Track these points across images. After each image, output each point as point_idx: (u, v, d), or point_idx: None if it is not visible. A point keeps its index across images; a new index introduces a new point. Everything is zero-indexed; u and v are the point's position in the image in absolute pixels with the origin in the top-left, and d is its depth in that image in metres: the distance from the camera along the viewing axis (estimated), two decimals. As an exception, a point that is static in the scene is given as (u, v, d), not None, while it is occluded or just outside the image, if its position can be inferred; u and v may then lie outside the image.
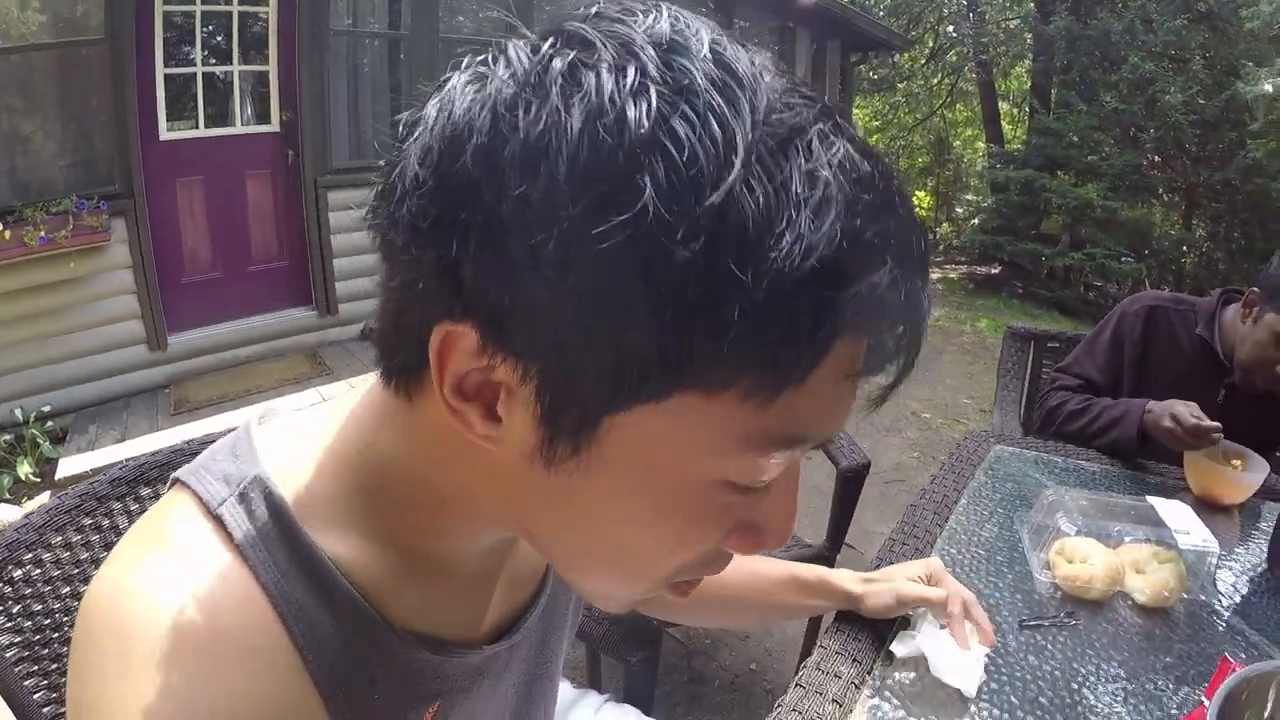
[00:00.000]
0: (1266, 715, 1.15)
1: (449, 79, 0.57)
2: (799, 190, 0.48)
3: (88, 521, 1.28)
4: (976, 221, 12.29)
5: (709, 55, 0.51)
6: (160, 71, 5.05)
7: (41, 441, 4.54)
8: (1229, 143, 9.17)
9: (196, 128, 5.42)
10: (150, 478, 1.35)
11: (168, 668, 0.63)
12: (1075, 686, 1.42)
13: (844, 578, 1.46)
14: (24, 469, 4.33)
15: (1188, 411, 2.12)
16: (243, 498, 0.71)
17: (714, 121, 0.48)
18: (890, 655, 1.43)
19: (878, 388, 0.60)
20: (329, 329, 6.38)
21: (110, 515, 1.31)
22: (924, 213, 14.57)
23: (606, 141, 0.48)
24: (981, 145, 13.94)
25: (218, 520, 0.70)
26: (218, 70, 5.47)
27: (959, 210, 13.64)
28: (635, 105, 0.48)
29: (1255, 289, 2.33)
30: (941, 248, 13.28)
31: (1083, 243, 10.23)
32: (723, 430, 0.55)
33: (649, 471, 0.59)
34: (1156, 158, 10.25)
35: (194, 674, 0.64)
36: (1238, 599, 1.70)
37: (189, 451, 1.31)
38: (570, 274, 0.49)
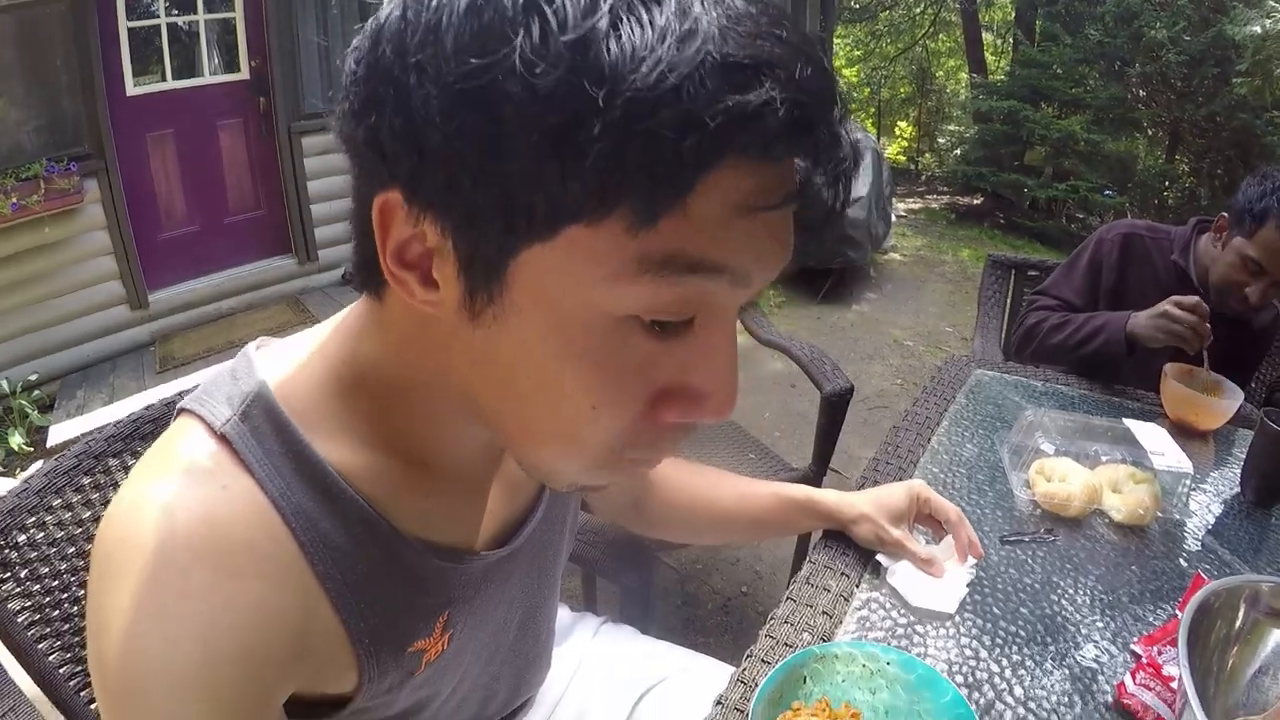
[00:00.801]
0: (1236, 626, 1.18)
1: None
2: (665, 24, 0.51)
3: (86, 481, 1.29)
4: (959, 152, 12.19)
5: None
6: (123, 26, 4.90)
7: (30, 411, 4.50)
8: (1213, 79, 9.11)
9: (163, 81, 5.28)
10: (145, 433, 1.36)
11: (182, 579, 0.67)
12: (1055, 598, 1.46)
13: (830, 502, 1.49)
14: (15, 440, 4.30)
15: (1176, 308, 2.15)
16: (245, 415, 0.74)
17: None
18: (878, 566, 1.47)
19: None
20: (310, 276, 6.30)
21: (109, 472, 1.31)
22: (905, 143, 14.49)
23: (487, 11, 0.52)
24: (964, 76, 13.78)
25: (223, 439, 0.73)
26: (181, 20, 5.29)
27: (941, 141, 13.52)
28: None
29: (1224, 214, 2.37)
30: (924, 178, 13.19)
31: (1066, 175, 10.17)
32: (613, 258, 0.56)
33: (557, 311, 0.60)
34: (1141, 92, 10.16)
35: (207, 584, 0.67)
36: (1211, 520, 1.74)
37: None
38: (454, 119, 0.54)
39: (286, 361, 0.81)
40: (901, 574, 1.44)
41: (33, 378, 4.70)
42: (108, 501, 1.23)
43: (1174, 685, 1.20)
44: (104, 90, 4.78)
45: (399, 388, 0.77)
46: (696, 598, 3.37)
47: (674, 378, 0.65)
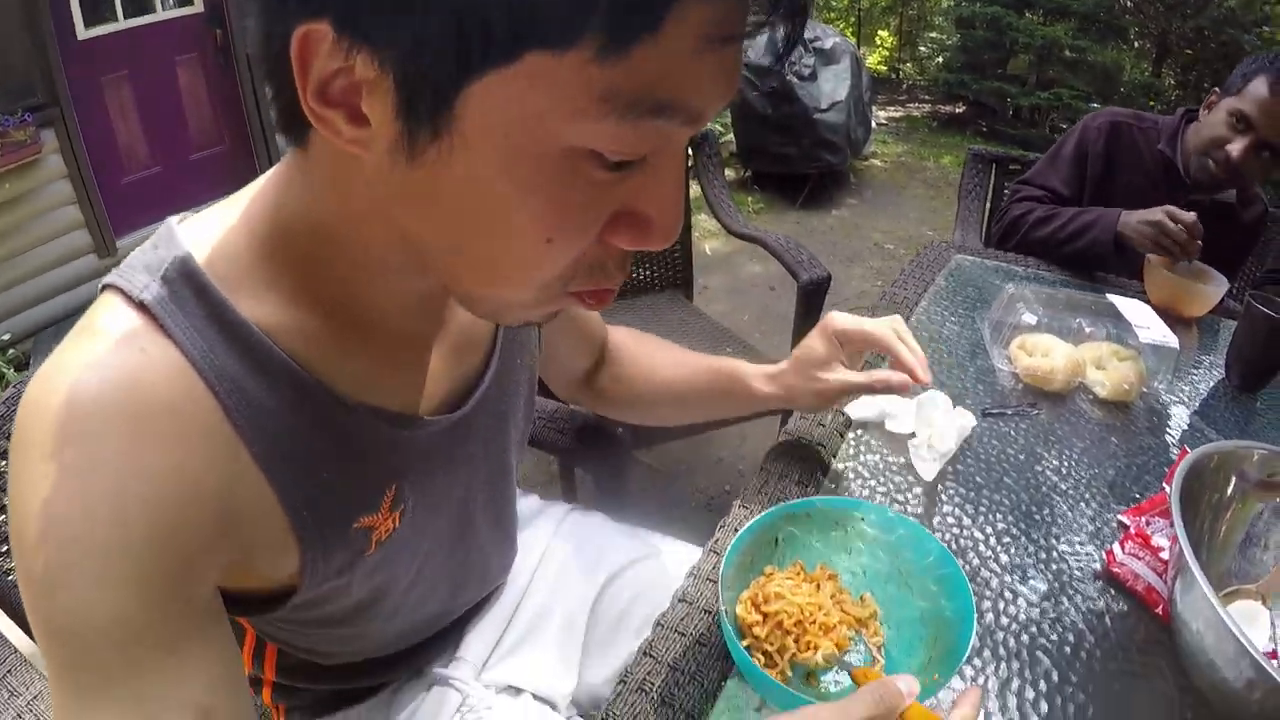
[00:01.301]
0: (1228, 494, 1.14)
1: None
2: None
3: None
4: (941, 60, 12.09)
5: None
6: None
7: (6, 370, 4.33)
8: None
9: (115, 21, 5.02)
10: None
11: (96, 443, 0.63)
12: (1038, 469, 1.42)
13: (750, 370, 1.35)
14: None
15: (1167, 219, 2.11)
16: (165, 280, 0.70)
17: None
18: (847, 418, 1.46)
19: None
20: None
21: None
22: (886, 52, 14.33)
23: None
24: None
25: (142, 306, 0.69)
26: None
27: (923, 49, 13.38)
28: None
29: (1216, 89, 2.36)
30: (905, 87, 13.10)
31: (1050, 83, 10.11)
32: (578, 90, 0.54)
33: (510, 144, 0.57)
34: (1129, 2, 10.08)
35: (122, 448, 0.64)
36: (1196, 403, 1.71)
37: None
38: None
39: (210, 226, 0.77)
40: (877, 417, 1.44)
41: (5, 337, 4.55)
42: None
43: (1164, 556, 1.16)
44: (54, 36, 4.59)
45: (327, 238, 0.73)
46: (679, 497, 3.36)
47: (624, 205, 0.64)
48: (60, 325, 4.85)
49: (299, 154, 0.70)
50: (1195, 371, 1.83)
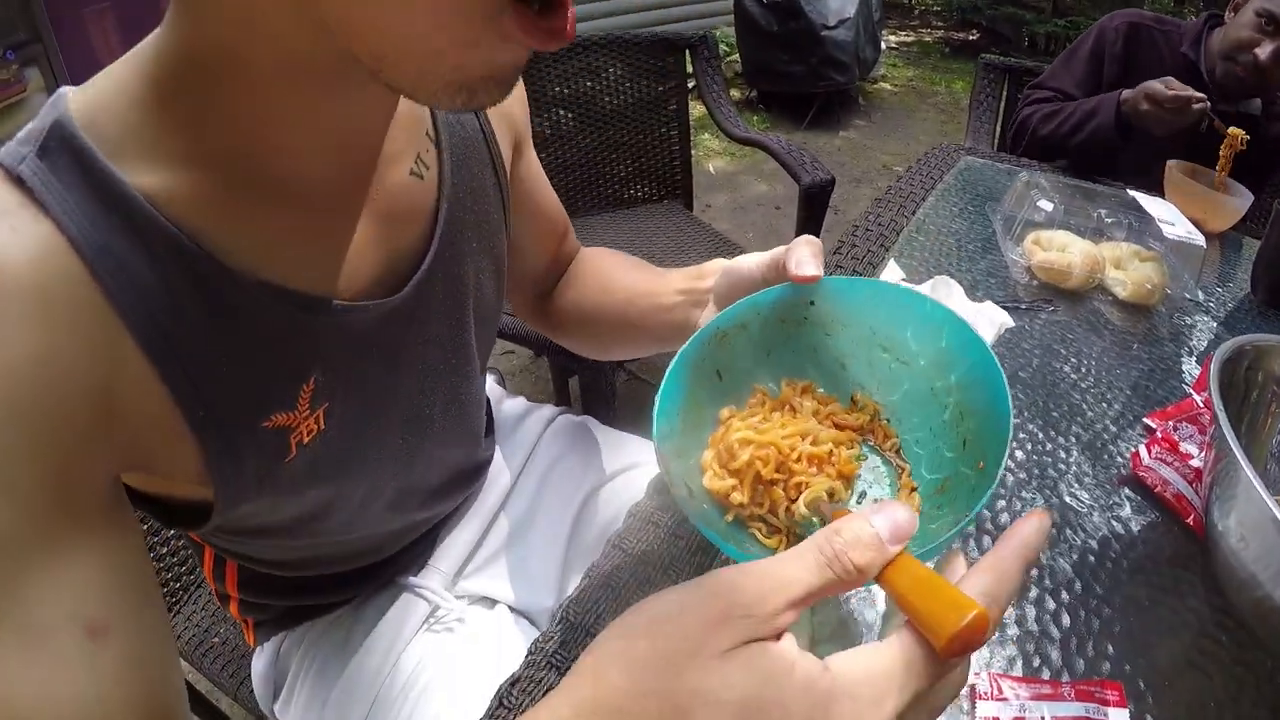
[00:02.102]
0: (1268, 394, 1.02)
1: None
2: None
3: None
4: None
5: None
6: None
7: None
8: None
9: None
10: None
11: None
12: (1056, 366, 1.32)
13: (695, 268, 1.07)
14: None
15: (1163, 86, 2.02)
16: (42, 150, 0.63)
17: None
18: None
19: None
20: None
21: None
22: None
23: None
24: None
25: (17, 180, 0.61)
26: None
27: (936, -28, 13.24)
28: None
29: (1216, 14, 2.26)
30: (917, 11, 12.93)
31: (1068, 10, 9.96)
32: None
33: None
34: None
35: None
36: (1222, 315, 1.60)
37: None
38: None
39: (95, 85, 0.67)
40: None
41: None
42: None
43: (1194, 463, 1.07)
44: None
45: (220, 61, 0.63)
46: None
47: None
48: None
49: None
50: (1220, 287, 1.72)
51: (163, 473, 0.70)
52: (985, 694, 0.77)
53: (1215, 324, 1.55)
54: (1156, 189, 1.99)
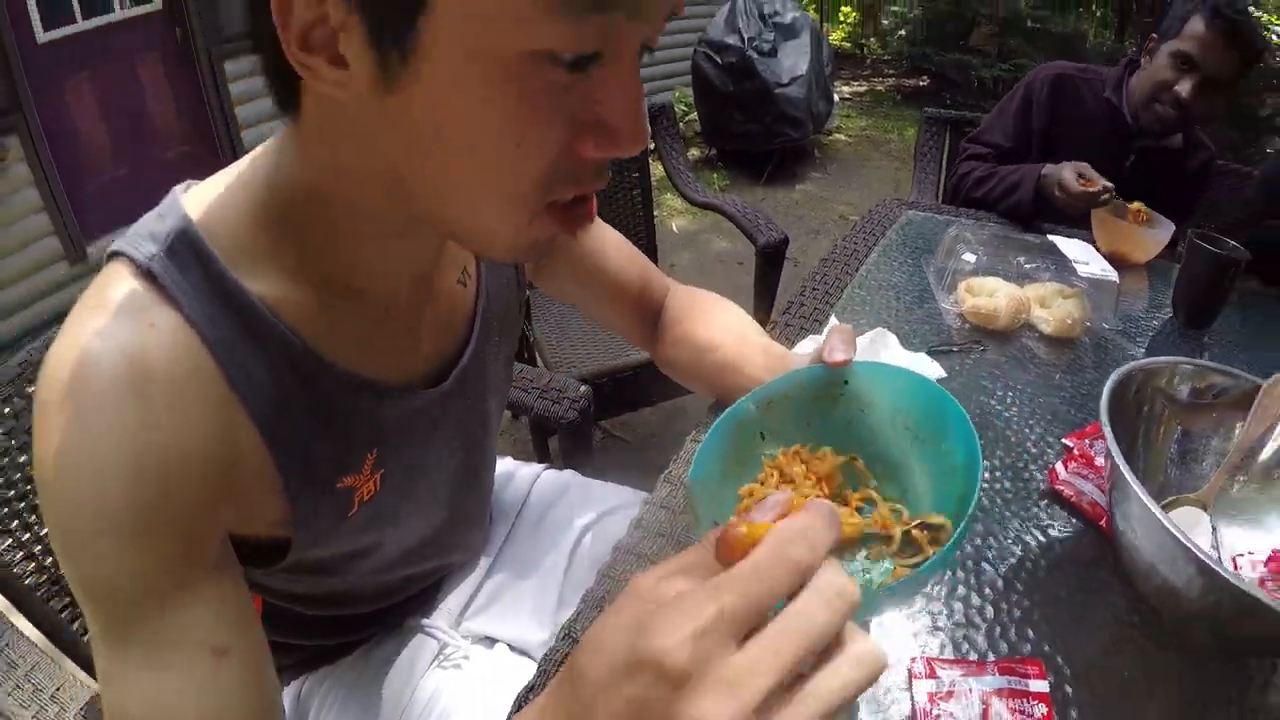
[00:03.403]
0: (1157, 408, 1.18)
1: None
2: None
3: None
4: (903, 33, 12.19)
5: None
6: None
7: None
8: None
9: (74, 23, 4.93)
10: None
11: (107, 411, 0.68)
12: (983, 400, 1.47)
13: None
14: None
15: (1073, 178, 2.16)
16: (170, 251, 0.74)
17: None
18: None
19: None
20: None
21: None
22: (850, 27, 14.39)
23: None
24: None
25: (149, 275, 0.73)
26: None
27: (885, 22, 13.48)
28: None
29: (1154, 35, 2.40)
30: (869, 62, 13.15)
31: (1012, 55, 10.22)
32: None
33: (471, 56, 0.60)
34: None
35: (130, 413, 0.69)
36: (1146, 339, 1.76)
37: None
38: None
39: (210, 196, 0.80)
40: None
41: None
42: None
43: (1106, 474, 1.19)
44: (14, 40, 4.52)
45: (321, 199, 0.78)
46: (655, 464, 3.38)
47: (589, 115, 0.66)
48: (35, 335, 4.76)
49: (291, 125, 0.76)
50: (1146, 313, 1.88)
51: (259, 522, 0.84)
52: (920, 674, 0.92)
53: (1138, 349, 1.70)
54: (1087, 223, 2.16)
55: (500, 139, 0.64)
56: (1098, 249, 2.08)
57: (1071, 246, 1.90)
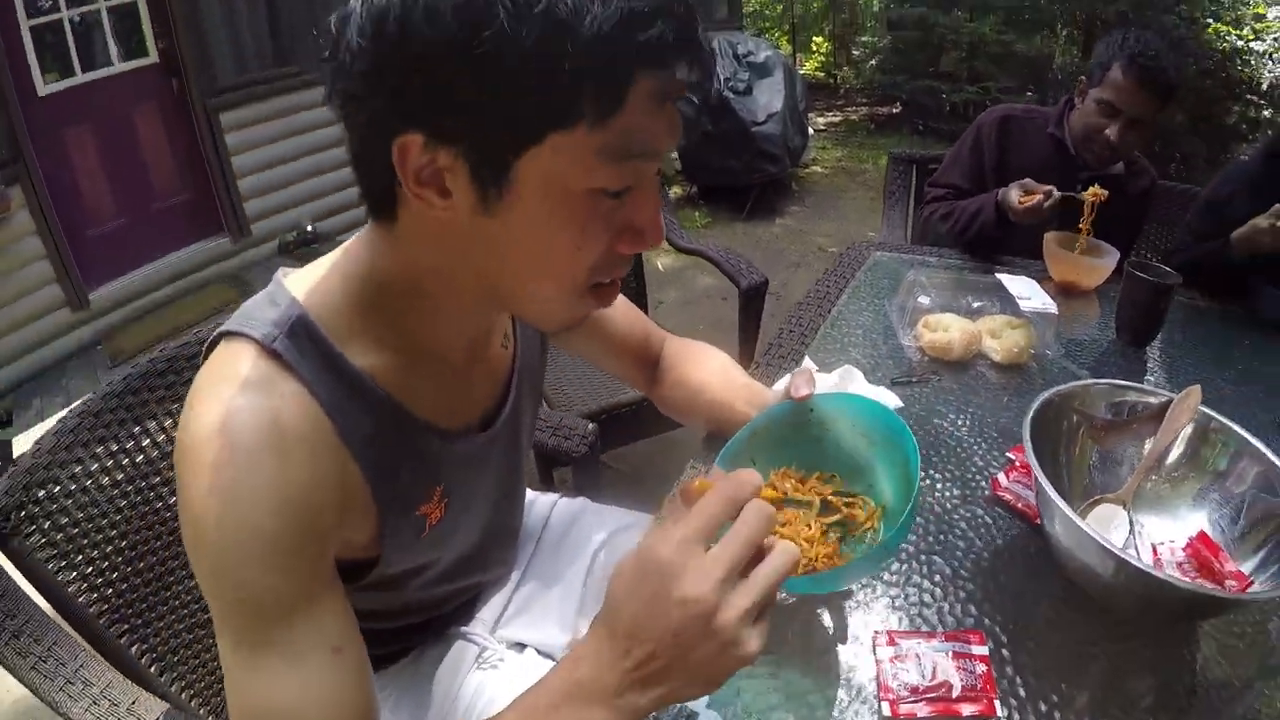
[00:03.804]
0: (1074, 423, 1.42)
1: None
2: None
3: (89, 437, 1.47)
4: (874, 62, 12.24)
5: None
6: (24, 26, 4.80)
7: None
8: None
9: (73, 76, 5.13)
10: (135, 387, 1.55)
11: (254, 464, 0.88)
12: (937, 422, 1.70)
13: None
14: None
15: (1016, 197, 2.39)
16: (290, 333, 0.95)
17: None
18: None
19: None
20: (246, 251, 6.34)
21: (108, 426, 1.50)
22: (821, 57, 14.56)
23: None
24: None
25: (274, 354, 0.93)
26: (82, 12, 5.11)
27: (856, 53, 13.60)
28: None
29: (1082, 78, 2.63)
30: (842, 91, 13.24)
31: (979, 77, 10.31)
32: (584, 152, 0.82)
33: (548, 194, 0.85)
34: None
35: (277, 470, 0.89)
36: (1091, 360, 1.99)
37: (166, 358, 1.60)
38: (466, 76, 0.77)
39: (314, 286, 1.02)
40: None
41: None
42: (114, 453, 1.47)
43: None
44: (15, 93, 4.68)
45: (412, 293, 1.01)
46: (650, 491, 3.52)
47: (624, 224, 0.92)
48: (39, 381, 4.91)
49: (384, 229, 0.97)
50: (1092, 334, 2.12)
51: (355, 545, 1.06)
52: (882, 643, 1.16)
53: (1082, 370, 1.93)
54: (1040, 254, 2.39)
55: (565, 247, 0.90)
56: (1050, 278, 2.32)
57: (1016, 284, 2.13)
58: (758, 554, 0.77)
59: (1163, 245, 3.11)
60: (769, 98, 7.25)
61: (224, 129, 5.90)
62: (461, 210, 0.87)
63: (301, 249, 6.32)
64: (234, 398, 0.89)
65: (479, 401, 1.22)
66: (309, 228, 6.44)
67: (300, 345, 0.95)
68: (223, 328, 0.98)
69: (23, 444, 4.02)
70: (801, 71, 11.72)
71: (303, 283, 1.02)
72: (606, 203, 0.88)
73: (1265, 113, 8.60)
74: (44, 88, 4.96)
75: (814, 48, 14.76)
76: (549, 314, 1.02)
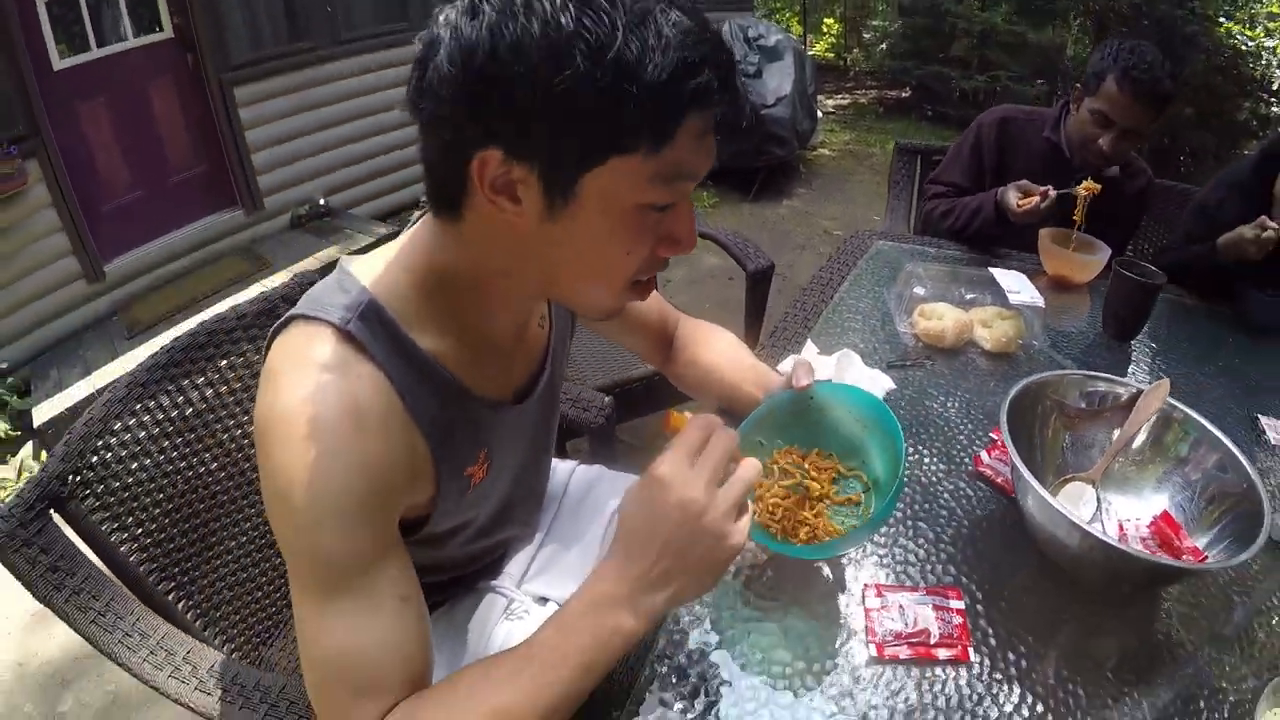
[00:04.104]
0: (1048, 407, 1.57)
1: (443, 12, 0.95)
2: (653, 42, 0.88)
3: (138, 406, 1.58)
4: (885, 47, 12.27)
5: None
6: (40, 1, 4.74)
7: (9, 398, 4.53)
8: None
9: (88, 51, 5.12)
10: (176, 360, 1.64)
11: (338, 437, 0.99)
12: (928, 405, 1.84)
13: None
14: (1, 427, 4.35)
15: (1014, 200, 2.51)
16: (362, 317, 1.06)
17: (605, 15, 0.87)
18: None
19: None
20: (259, 224, 6.33)
21: (154, 397, 1.61)
22: (832, 39, 14.64)
23: (550, 35, 0.87)
24: None
25: (348, 335, 1.04)
26: None
27: (867, 35, 13.64)
28: (564, 15, 0.87)
29: (1078, 85, 2.70)
30: (852, 74, 13.28)
31: (990, 65, 10.33)
32: (639, 174, 0.95)
33: (606, 206, 0.98)
34: None
35: (357, 441, 1.01)
36: (1078, 350, 2.13)
37: (220, 328, 1.71)
38: (545, 106, 0.89)
39: (380, 275, 1.13)
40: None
41: (3, 366, 4.67)
42: (159, 421, 1.60)
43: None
44: (31, 68, 4.67)
45: (473, 284, 1.13)
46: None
47: (665, 233, 1.06)
48: (55, 351, 4.95)
49: (448, 225, 1.08)
50: (1081, 327, 2.26)
51: (414, 505, 1.18)
52: (870, 595, 1.32)
53: (1066, 360, 2.06)
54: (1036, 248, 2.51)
55: (617, 253, 1.04)
56: (1045, 272, 2.46)
57: (1007, 277, 2.27)
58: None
59: (1160, 242, 3.21)
60: (778, 81, 7.35)
61: (238, 104, 5.90)
62: (529, 215, 0.99)
63: (313, 222, 6.36)
64: (318, 377, 1.01)
65: (519, 375, 1.34)
66: (321, 201, 6.47)
67: (372, 329, 1.06)
68: (294, 311, 1.09)
69: (43, 413, 4.26)
70: (811, 53, 11.74)
71: (369, 271, 1.14)
72: (652, 215, 1.01)
73: (1275, 109, 8.67)
74: (59, 62, 4.95)
75: (825, 29, 14.78)
76: (595, 306, 1.15)
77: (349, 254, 1.22)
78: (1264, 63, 8.70)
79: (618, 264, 1.06)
